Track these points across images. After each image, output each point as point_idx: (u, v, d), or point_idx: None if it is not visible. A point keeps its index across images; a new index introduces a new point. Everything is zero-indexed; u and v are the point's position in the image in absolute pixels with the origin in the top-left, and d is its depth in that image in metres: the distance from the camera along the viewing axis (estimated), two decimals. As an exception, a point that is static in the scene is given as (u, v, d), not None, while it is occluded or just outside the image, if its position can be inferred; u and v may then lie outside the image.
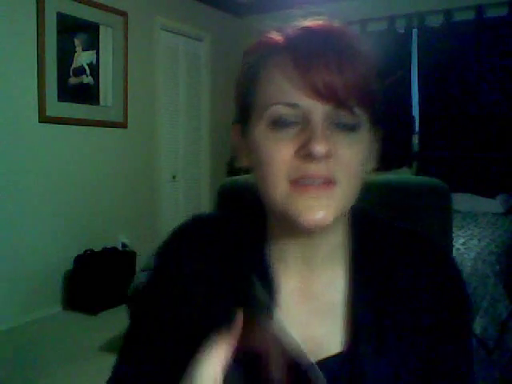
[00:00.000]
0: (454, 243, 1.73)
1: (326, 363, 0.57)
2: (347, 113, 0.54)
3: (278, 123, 0.55)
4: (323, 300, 0.61)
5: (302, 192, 0.54)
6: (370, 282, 0.60)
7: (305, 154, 0.53)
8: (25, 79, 3.11)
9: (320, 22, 0.57)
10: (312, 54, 0.54)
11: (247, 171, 0.61)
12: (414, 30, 4.06)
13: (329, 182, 0.54)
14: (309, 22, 0.57)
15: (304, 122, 0.54)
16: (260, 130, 0.56)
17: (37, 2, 3.11)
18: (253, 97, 0.57)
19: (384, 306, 0.59)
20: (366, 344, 0.57)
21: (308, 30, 0.56)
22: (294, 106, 0.54)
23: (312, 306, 0.61)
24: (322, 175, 0.53)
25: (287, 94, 0.54)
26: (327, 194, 0.54)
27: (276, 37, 0.57)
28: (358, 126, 0.55)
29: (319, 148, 0.52)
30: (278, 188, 0.55)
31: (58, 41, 3.25)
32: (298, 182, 0.54)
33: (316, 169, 0.53)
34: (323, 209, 0.54)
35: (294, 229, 0.56)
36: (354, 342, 0.58)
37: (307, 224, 0.54)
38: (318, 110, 0.53)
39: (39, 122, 3.20)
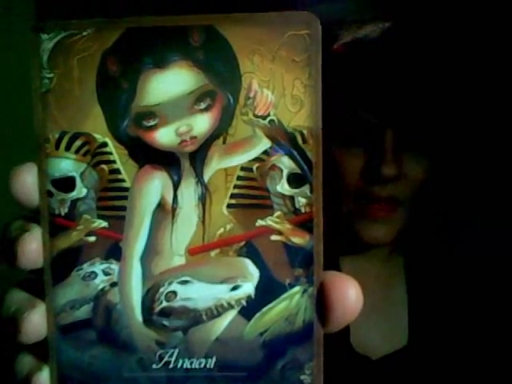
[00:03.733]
0: None
1: (391, 358, 0.56)
2: (419, 133, 0.51)
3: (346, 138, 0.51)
4: (385, 298, 0.59)
5: (365, 212, 0.52)
6: (427, 283, 0.58)
7: (372, 174, 0.50)
8: (25, 77, 3.08)
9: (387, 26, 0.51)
10: (390, 63, 0.49)
11: None
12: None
13: (394, 204, 0.51)
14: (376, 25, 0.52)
15: (373, 141, 0.50)
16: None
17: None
18: None
19: (441, 305, 0.57)
20: (429, 339, 0.55)
21: (387, 31, 0.51)
22: (363, 122, 0.50)
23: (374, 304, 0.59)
24: (387, 196, 0.51)
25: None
26: (391, 215, 0.52)
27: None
28: (429, 146, 0.52)
29: (389, 172, 0.49)
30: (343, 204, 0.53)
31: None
32: (363, 201, 0.52)
33: (382, 189, 0.50)
34: (386, 229, 0.52)
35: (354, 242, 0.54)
36: (417, 338, 0.56)
37: (367, 241, 0.53)
38: (389, 129, 0.49)
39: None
